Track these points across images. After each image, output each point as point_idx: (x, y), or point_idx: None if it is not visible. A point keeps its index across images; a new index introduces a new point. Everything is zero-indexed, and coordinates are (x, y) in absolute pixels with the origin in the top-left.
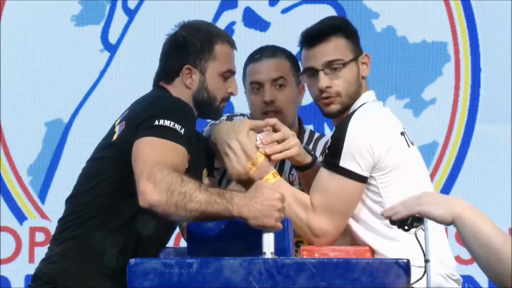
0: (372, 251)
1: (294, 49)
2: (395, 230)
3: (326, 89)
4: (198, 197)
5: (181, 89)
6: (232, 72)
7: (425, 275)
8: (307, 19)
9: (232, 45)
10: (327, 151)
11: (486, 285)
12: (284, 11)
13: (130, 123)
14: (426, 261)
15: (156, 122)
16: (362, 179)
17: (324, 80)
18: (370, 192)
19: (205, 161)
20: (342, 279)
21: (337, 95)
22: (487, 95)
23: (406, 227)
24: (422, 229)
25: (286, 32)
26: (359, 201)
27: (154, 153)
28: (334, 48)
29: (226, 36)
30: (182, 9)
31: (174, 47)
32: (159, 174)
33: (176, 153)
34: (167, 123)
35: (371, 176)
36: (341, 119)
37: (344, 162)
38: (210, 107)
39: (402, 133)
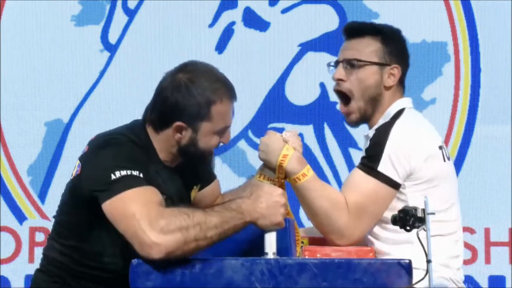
0: (375, 252)
1: (294, 48)
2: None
3: (338, 81)
4: (213, 221)
5: (168, 140)
6: (226, 128)
7: (427, 276)
8: (307, 19)
9: (232, 97)
10: (365, 153)
11: (486, 285)
12: (284, 11)
13: (84, 177)
14: (428, 261)
15: (113, 177)
16: (396, 186)
17: (339, 72)
18: (397, 201)
19: (192, 180)
20: (344, 279)
21: (349, 92)
22: (487, 95)
23: (407, 228)
24: (424, 229)
25: (286, 32)
26: (387, 207)
27: (135, 204)
28: (363, 47)
29: (226, 90)
30: (182, 9)
31: (170, 98)
32: (161, 219)
33: (152, 193)
34: (123, 173)
35: (402, 185)
36: (382, 124)
37: (382, 167)
38: (197, 159)
39: (440, 147)
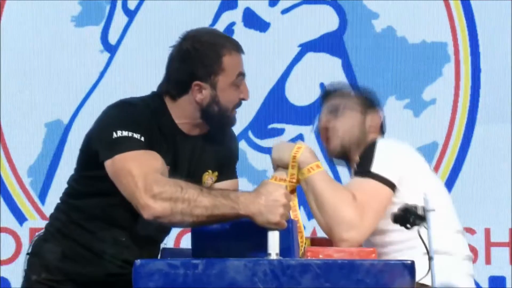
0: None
1: (294, 49)
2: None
3: (322, 130)
4: (203, 201)
5: (189, 104)
6: (242, 75)
7: (429, 273)
8: (307, 20)
9: (240, 50)
10: (356, 168)
11: (486, 286)
12: (284, 11)
13: (91, 132)
14: (430, 258)
15: (114, 135)
16: (392, 186)
17: (323, 119)
18: (394, 206)
19: (210, 162)
20: (346, 280)
21: (332, 139)
22: (487, 95)
23: (408, 225)
24: (425, 227)
25: (286, 33)
26: (386, 210)
27: (134, 166)
28: (344, 98)
29: (232, 43)
30: (182, 9)
31: (182, 64)
32: (155, 185)
33: (152, 158)
34: (125, 134)
35: (398, 189)
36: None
37: (376, 169)
38: (222, 118)
39: (424, 161)
